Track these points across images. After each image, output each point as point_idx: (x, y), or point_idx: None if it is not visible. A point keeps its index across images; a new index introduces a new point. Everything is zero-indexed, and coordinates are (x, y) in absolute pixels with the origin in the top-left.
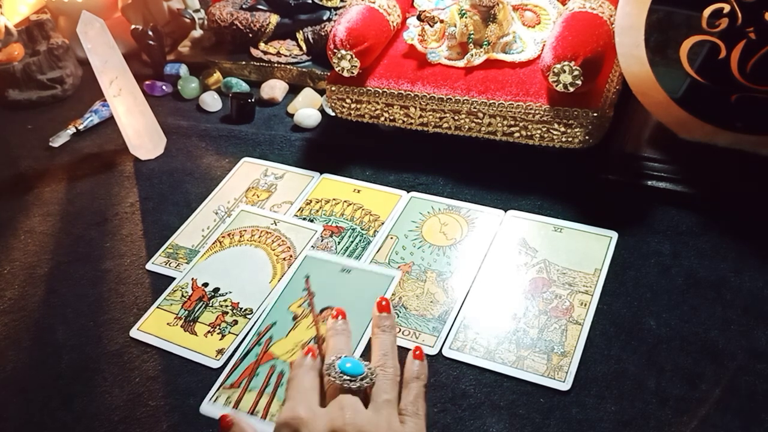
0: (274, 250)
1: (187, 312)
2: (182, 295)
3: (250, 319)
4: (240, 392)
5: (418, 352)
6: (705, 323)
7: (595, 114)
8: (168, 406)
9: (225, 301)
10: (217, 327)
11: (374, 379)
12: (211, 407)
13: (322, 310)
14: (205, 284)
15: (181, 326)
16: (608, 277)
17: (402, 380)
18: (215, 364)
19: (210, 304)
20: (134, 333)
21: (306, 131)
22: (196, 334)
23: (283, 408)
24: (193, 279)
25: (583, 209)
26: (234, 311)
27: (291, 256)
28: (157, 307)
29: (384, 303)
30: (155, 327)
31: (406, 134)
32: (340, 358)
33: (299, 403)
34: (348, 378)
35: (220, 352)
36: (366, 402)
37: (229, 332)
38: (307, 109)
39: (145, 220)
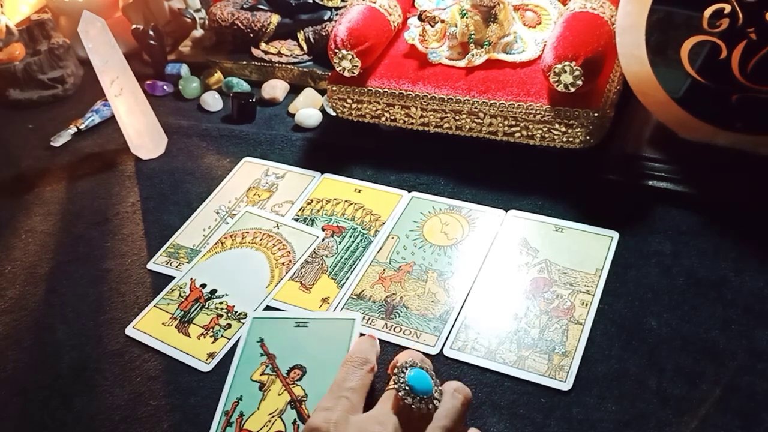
0: (274, 254)
1: (182, 312)
2: (180, 295)
3: (243, 323)
4: None
5: None
6: (706, 323)
7: (596, 114)
8: (169, 406)
9: (221, 303)
10: (211, 330)
11: (438, 404)
12: None
13: (289, 372)
14: (203, 285)
15: (176, 327)
16: (609, 276)
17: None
18: (205, 368)
19: (206, 306)
20: (129, 331)
21: (307, 131)
22: (189, 336)
23: (318, 407)
24: (192, 279)
25: (584, 209)
26: (229, 314)
27: (290, 261)
28: (155, 306)
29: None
30: (150, 326)
31: (407, 134)
32: (413, 365)
33: (334, 408)
34: (412, 396)
35: (211, 355)
36: (422, 420)
37: (222, 336)
38: (308, 109)
39: (146, 219)
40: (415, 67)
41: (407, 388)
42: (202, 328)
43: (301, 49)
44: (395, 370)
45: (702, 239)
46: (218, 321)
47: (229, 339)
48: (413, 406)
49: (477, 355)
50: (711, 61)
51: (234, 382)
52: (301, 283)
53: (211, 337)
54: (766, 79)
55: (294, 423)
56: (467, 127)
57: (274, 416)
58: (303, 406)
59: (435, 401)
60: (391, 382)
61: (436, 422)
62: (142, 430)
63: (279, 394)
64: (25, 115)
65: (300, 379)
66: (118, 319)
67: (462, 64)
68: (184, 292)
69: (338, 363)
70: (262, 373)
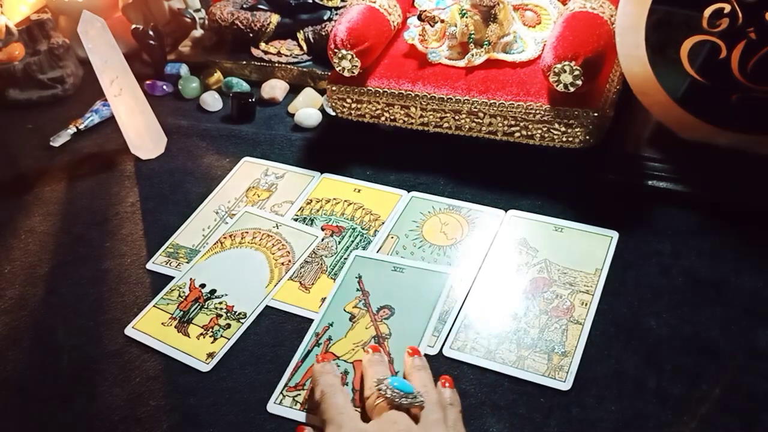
0: (273, 254)
1: (182, 312)
2: (179, 295)
3: (243, 323)
4: (305, 393)
5: (447, 382)
6: (705, 323)
7: (596, 114)
8: (169, 406)
9: (220, 303)
10: (210, 330)
11: (423, 403)
12: (278, 408)
13: (378, 310)
14: (203, 285)
15: (175, 327)
16: (609, 276)
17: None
18: (205, 368)
19: (205, 306)
20: (129, 331)
21: (306, 131)
22: (188, 336)
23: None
24: (191, 279)
25: (584, 209)
26: (228, 314)
27: (290, 261)
28: (154, 306)
29: (412, 350)
30: (150, 326)
31: (407, 134)
32: (388, 378)
33: (344, 422)
34: (401, 394)
35: (211, 355)
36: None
37: (221, 336)
38: (308, 109)
39: (145, 219)
40: (415, 66)
41: (396, 392)
42: (202, 328)
43: (301, 48)
44: (375, 384)
45: (702, 239)
46: (218, 321)
47: (229, 339)
48: (406, 402)
49: (476, 355)
50: (711, 60)
51: (329, 309)
52: (300, 282)
53: (210, 337)
54: (765, 79)
55: None
56: (467, 126)
57: (358, 346)
58: (385, 343)
59: (420, 396)
60: (378, 395)
61: (427, 418)
62: (142, 431)
63: (366, 328)
64: (24, 115)
65: (387, 318)
66: (117, 319)
67: (462, 63)
68: (184, 292)
69: (424, 311)
70: (355, 306)
